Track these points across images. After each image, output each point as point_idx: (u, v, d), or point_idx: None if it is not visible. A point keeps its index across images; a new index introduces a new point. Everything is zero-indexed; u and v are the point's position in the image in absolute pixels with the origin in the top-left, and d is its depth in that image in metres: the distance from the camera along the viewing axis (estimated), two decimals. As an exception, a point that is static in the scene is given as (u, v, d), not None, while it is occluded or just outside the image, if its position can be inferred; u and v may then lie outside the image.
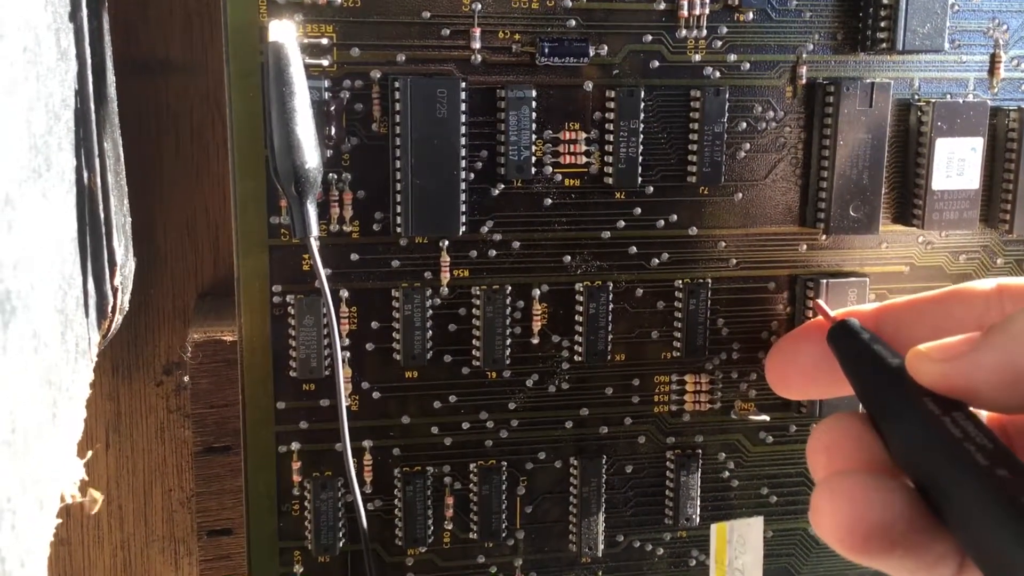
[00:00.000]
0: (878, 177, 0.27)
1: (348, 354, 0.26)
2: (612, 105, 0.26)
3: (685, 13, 0.26)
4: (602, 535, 0.28)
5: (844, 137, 0.26)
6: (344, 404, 0.25)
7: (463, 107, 0.25)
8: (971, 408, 0.21)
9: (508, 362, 0.27)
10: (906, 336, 0.23)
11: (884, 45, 0.26)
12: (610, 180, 0.26)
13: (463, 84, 0.25)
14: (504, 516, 0.27)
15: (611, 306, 0.27)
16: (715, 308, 0.28)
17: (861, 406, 0.23)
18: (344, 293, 0.26)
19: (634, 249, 0.27)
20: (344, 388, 0.25)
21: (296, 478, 0.26)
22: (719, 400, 0.28)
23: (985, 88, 0.28)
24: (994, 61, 0.28)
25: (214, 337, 0.33)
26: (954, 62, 0.27)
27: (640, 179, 0.26)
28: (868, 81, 0.26)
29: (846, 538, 0.19)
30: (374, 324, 0.26)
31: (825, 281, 0.27)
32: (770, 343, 0.28)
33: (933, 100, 0.27)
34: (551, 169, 0.26)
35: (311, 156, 0.23)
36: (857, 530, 0.19)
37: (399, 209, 0.25)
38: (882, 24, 0.26)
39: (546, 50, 0.25)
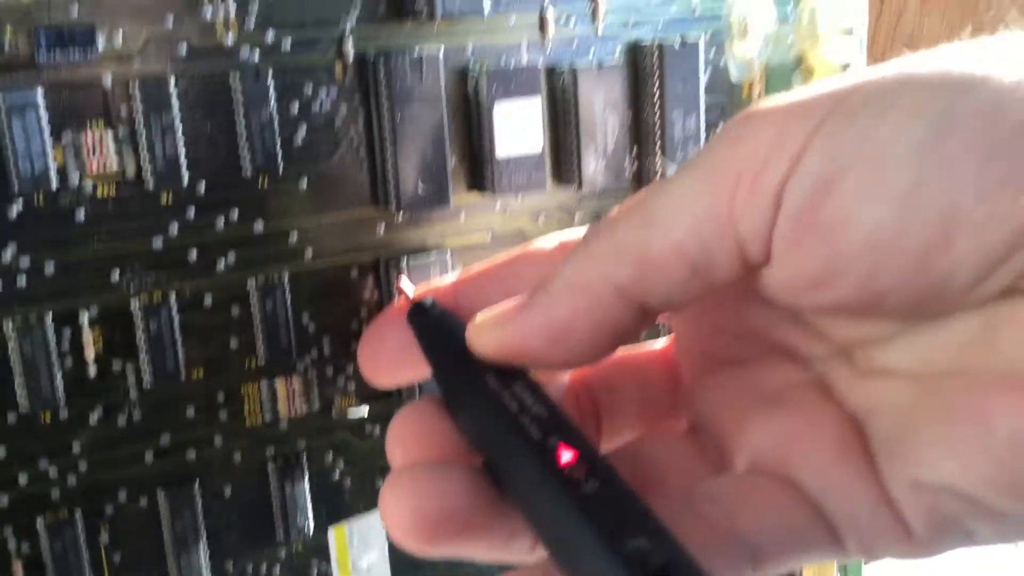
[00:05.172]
0: (442, 150, 0.26)
1: None
2: (137, 98, 0.23)
3: (207, 1, 0.23)
4: (207, 566, 0.26)
5: (401, 113, 0.25)
6: None
7: (-50, 117, 0.21)
8: (538, 373, 0.21)
9: (63, 400, 0.23)
10: (484, 306, 0.22)
11: (425, 12, 0.25)
12: (151, 183, 0.23)
13: (-54, 90, 0.21)
14: (88, 572, 0.24)
15: (177, 320, 0.24)
16: (296, 305, 0.26)
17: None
18: None
19: (194, 254, 0.24)
20: None
21: None
22: (317, 400, 0.27)
23: (539, 48, 0.28)
24: (543, 20, 0.28)
25: None
26: (503, 25, 0.27)
27: (187, 177, 0.24)
28: (415, 54, 0.25)
29: (410, 537, 0.18)
30: None
31: (406, 260, 0.26)
32: (361, 332, 0.26)
33: (486, 66, 0.27)
34: (78, 176, 0.23)
35: None
36: (420, 526, 0.18)
37: None
38: (420, -11, 0.25)
39: (45, 45, 0.22)
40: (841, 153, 0.17)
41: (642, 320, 0.20)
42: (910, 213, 0.16)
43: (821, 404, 0.20)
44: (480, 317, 0.21)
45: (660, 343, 0.25)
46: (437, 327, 0.23)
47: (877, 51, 0.42)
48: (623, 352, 0.24)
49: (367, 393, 0.27)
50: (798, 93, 0.18)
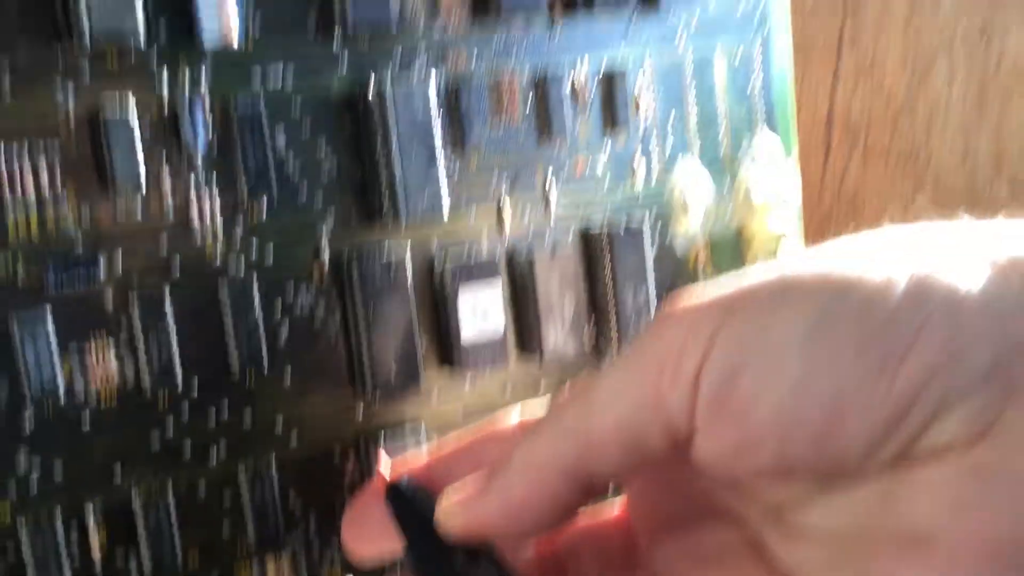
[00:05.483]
0: (412, 336, 0.29)
1: None
2: (136, 312, 0.26)
3: (196, 224, 0.26)
4: None
5: (374, 307, 0.28)
6: None
7: (-31, 342, 0.24)
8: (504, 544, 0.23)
9: (70, 592, 0.26)
10: (455, 480, 0.24)
11: (391, 218, 0.28)
12: (148, 386, 0.26)
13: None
14: None
15: (174, 510, 0.27)
16: (283, 487, 0.28)
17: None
18: None
19: (188, 448, 0.27)
20: None
21: None
22: None
23: (497, 238, 0.31)
24: (500, 213, 0.31)
25: None
26: (463, 221, 0.30)
27: (181, 379, 0.26)
28: (384, 256, 0.28)
29: None
30: (-96, 587, 0.24)
31: (383, 437, 0.29)
32: (344, 509, 0.29)
33: (450, 258, 0.29)
34: (83, 386, 0.26)
35: None
36: None
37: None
38: (385, 197, 0.28)
39: (53, 273, 0.25)
40: (740, 349, 0.19)
41: (590, 493, 0.22)
42: (802, 400, 0.19)
43: (754, 565, 0.22)
44: (446, 500, 0.23)
45: (619, 504, 0.27)
46: (411, 506, 0.25)
47: (823, 210, 0.46)
48: (585, 515, 0.26)
49: (352, 568, 0.29)
50: (705, 293, 0.21)
